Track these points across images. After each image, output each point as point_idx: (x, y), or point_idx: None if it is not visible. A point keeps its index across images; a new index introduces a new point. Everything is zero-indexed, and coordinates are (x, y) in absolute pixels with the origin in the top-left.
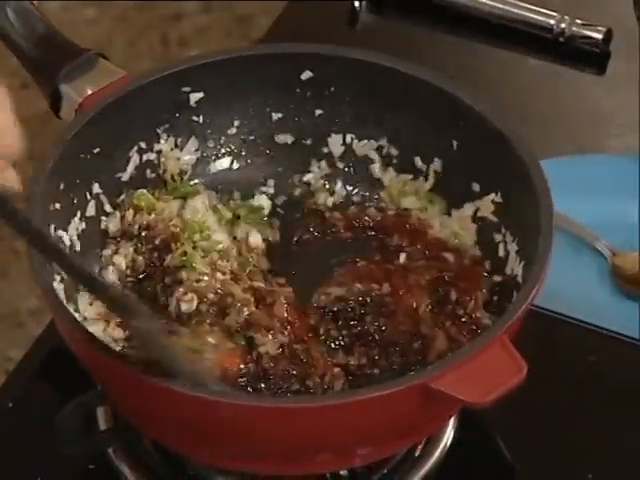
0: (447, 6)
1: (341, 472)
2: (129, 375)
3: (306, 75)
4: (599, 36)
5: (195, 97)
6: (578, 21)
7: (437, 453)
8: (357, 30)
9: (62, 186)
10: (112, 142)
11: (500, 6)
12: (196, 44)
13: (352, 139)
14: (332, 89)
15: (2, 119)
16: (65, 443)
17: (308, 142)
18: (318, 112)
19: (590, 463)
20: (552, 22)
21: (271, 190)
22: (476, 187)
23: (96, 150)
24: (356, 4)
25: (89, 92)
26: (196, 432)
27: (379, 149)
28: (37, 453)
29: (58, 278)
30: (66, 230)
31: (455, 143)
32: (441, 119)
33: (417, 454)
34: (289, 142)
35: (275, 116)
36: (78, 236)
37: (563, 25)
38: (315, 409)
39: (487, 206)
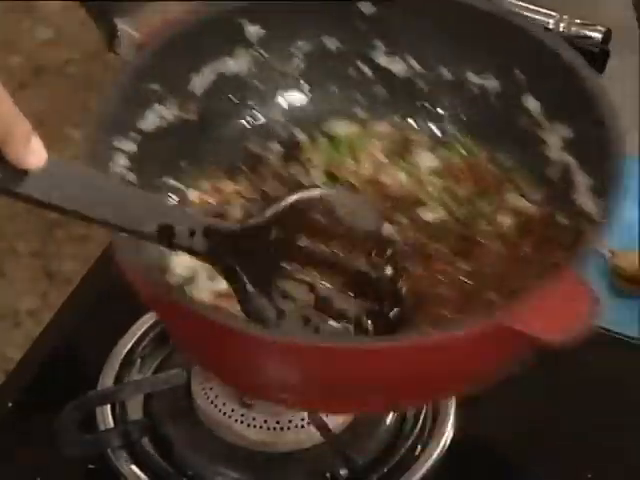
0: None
1: (341, 472)
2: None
3: (367, 9)
4: (598, 36)
5: (255, 30)
6: (577, 21)
7: (437, 452)
8: None
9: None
10: (172, 78)
11: (497, 5)
12: None
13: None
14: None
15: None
16: (64, 443)
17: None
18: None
19: (589, 463)
20: (551, 21)
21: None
22: (544, 121)
23: (155, 86)
24: None
25: (146, 28)
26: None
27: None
28: (36, 453)
29: None
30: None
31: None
32: (513, 54)
33: (417, 453)
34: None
35: (335, 48)
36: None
37: (561, 24)
38: (388, 349)
39: (556, 142)
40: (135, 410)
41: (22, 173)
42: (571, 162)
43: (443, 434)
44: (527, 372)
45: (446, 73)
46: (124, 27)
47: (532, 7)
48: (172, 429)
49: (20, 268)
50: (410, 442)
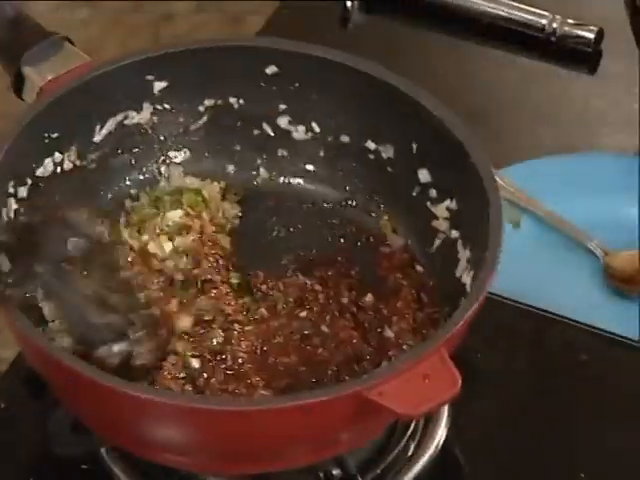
0: (439, 6)
1: (334, 472)
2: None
3: (271, 70)
4: (591, 35)
5: (159, 86)
6: (570, 20)
7: (430, 452)
8: (349, 30)
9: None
10: (72, 127)
11: (492, 5)
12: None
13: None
14: (297, 85)
15: None
16: (58, 443)
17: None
18: (282, 107)
19: (583, 462)
20: (544, 21)
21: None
22: (433, 193)
23: (55, 135)
24: (348, 4)
25: (51, 76)
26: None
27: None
28: (30, 453)
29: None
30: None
31: (415, 146)
32: (402, 123)
33: (410, 453)
34: (255, 134)
35: (238, 107)
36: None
37: (555, 24)
38: (245, 413)
39: (442, 212)
40: None
41: None
42: (455, 235)
43: (436, 435)
44: (522, 372)
45: (346, 139)
46: (30, 73)
47: (525, 7)
48: None
49: None
50: (403, 442)
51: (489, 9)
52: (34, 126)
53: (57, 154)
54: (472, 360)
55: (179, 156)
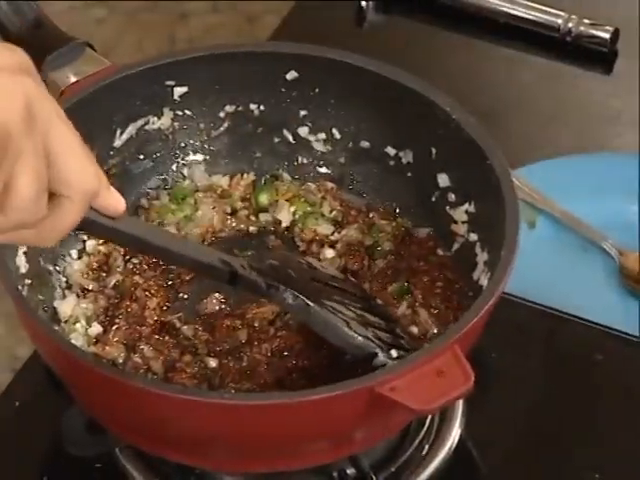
0: (455, 5)
1: (348, 471)
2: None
3: (291, 75)
4: (606, 36)
5: (179, 91)
6: (585, 21)
7: (444, 452)
8: (364, 30)
9: None
10: (92, 132)
11: (508, 5)
12: (203, 44)
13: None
14: (317, 90)
15: None
16: (72, 442)
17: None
18: (303, 113)
19: (597, 462)
20: (559, 21)
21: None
22: (452, 197)
23: None
24: (363, 4)
25: (72, 80)
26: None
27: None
28: (44, 452)
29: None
30: None
31: (434, 151)
32: (422, 127)
33: (424, 453)
34: (275, 141)
35: (259, 113)
36: None
37: (570, 24)
38: (258, 407)
39: (461, 216)
40: None
41: (111, 219)
42: (474, 238)
43: (450, 434)
44: (537, 372)
45: (366, 145)
46: (51, 77)
47: (541, 7)
48: None
49: None
50: (417, 442)
51: (505, 9)
52: None
53: None
54: (486, 360)
55: (199, 162)
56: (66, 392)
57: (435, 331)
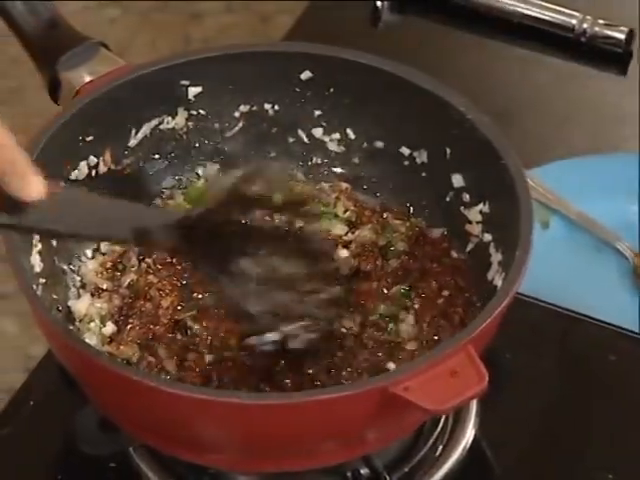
0: (469, 6)
1: (362, 471)
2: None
3: (306, 75)
4: (621, 36)
5: (193, 91)
6: (600, 21)
7: (458, 453)
8: (379, 29)
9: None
10: (107, 131)
11: (522, 6)
12: (217, 44)
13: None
14: (331, 90)
15: None
16: (86, 442)
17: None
18: (317, 113)
19: (611, 463)
20: (574, 22)
21: None
22: (466, 197)
23: (89, 138)
24: (378, 4)
25: (87, 80)
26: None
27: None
28: (58, 451)
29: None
30: None
31: (448, 151)
32: (436, 127)
33: (438, 454)
34: (290, 141)
35: (273, 113)
36: None
37: (585, 25)
38: (275, 407)
39: (475, 216)
40: None
41: (22, 206)
42: (488, 238)
43: (464, 435)
44: (551, 373)
45: (380, 145)
46: (66, 77)
47: (555, 7)
48: None
49: None
50: (431, 442)
51: (520, 9)
52: (69, 128)
53: (92, 157)
54: (500, 360)
55: (214, 162)
56: (80, 391)
57: (400, 340)
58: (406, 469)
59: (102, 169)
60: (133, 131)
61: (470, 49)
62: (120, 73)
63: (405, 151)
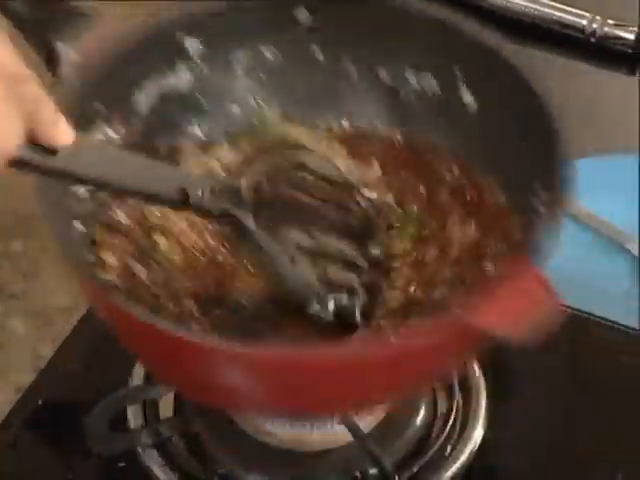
0: (478, 5)
1: (370, 471)
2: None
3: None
4: (631, 37)
5: (194, 45)
6: (610, 21)
7: (467, 452)
8: None
9: None
10: (115, 97)
11: (532, 6)
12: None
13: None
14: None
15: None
16: (95, 441)
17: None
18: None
19: (621, 464)
20: (584, 22)
21: None
22: None
23: (100, 107)
24: None
25: (86, 47)
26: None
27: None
28: (67, 451)
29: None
30: None
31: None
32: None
33: (447, 453)
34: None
35: (276, 60)
36: None
37: (594, 25)
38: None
39: None
40: (166, 408)
41: (52, 152)
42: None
43: (474, 434)
44: (559, 373)
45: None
46: (63, 47)
47: (565, 8)
48: (203, 428)
49: (52, 266)
50: (440, 442)
51: (529, 10)
52: (79, 100)
53: (104, 126)
54: (509, 360)
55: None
56: (88, 390)
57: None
58: (415, 469)
59: (114, 136)
60: (139, 93)
61: None
62: (118, 37)
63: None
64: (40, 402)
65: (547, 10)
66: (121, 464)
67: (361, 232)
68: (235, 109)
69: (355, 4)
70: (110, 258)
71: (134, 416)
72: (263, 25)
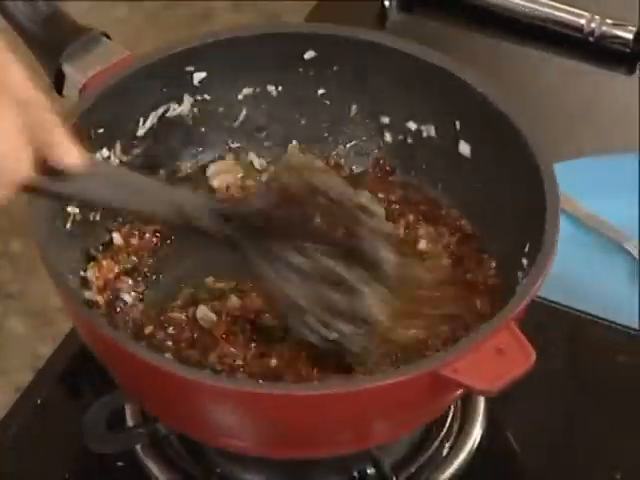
0: (477, 5)
1: (368, 471)
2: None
3: (309, 55)
4: (629, 36)
5: (199, 76)
6: (608, 21)
7: (465, 452)
8: (387, 29)
9: None
10: (117, 122)
11: (530, 5)
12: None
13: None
14: (335, 69)
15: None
16: (93, 440)
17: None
18: (320, 92)
19: (618, 463)
20: (582, 21)
21: None
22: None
23: (100, 130)
24: (386, 3)
25: (92, 72)
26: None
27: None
28: (65, 450)
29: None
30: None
31: (458, 123)
32: (445, 101)
33: (444, 454)
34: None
35: (277, 94)
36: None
37: (593, 25)
38: (317, 397)
39: None
40: None
41: (62, 176)
42: None
43: (472, 434)
44: (558, 373)
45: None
46: (70, 70)
47: (564, 7)
48: None
49: None
50: (438, 442)
51: (528, 9)
52: (81, 123)
53: (104, 150)
54: None
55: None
56: (87, 390)
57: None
58: (413, 469)
59: (114, 161)
60: (141, 120)
61: (478, 49)
62: (126, 63)
63: (412, 126)
64: (38, 401)
65: (546, 9)
66: (119, 463)
67: (366, 261)
68: (237, 137)
69: (361, 51)
70: (96, 278)
71: (132, 415)
72: (271, 63)
